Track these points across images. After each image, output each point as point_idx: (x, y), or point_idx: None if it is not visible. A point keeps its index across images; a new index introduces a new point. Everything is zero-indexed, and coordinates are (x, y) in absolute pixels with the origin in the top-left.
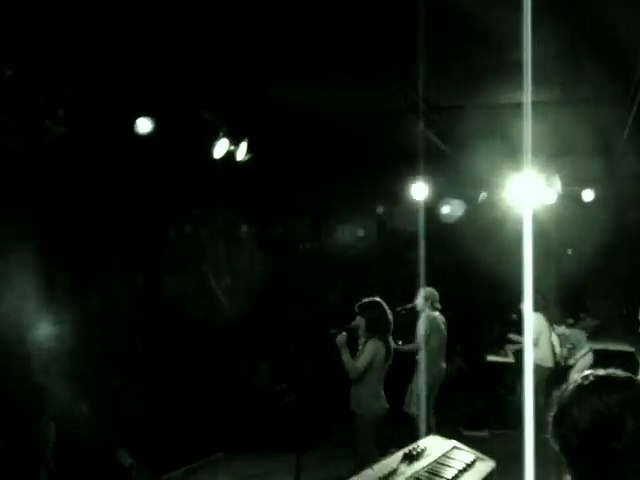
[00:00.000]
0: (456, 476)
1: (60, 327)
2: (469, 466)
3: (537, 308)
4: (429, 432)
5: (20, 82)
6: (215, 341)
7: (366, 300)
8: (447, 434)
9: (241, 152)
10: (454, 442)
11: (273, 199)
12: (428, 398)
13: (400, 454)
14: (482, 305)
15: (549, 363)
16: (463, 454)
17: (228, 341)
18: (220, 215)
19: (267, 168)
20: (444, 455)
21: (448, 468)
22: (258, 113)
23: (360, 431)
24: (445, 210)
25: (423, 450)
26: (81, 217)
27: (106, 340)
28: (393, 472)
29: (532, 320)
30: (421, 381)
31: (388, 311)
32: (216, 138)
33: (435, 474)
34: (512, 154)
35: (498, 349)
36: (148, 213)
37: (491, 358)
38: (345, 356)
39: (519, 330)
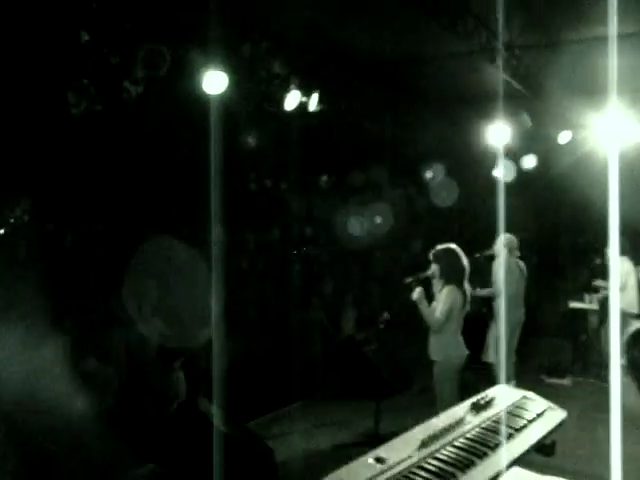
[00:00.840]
0: (524, 426)
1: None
2: (539, 416)
3: (623, 252)
4: (508, 380)
5: (97, 45)
6: (299, 290)
7: (440, 247)
8: (528, 382)
9: (313, 103)
10: (524, 392)
11: (350, 148)
12: (507, 345)
13: (468, 403)
14: (566, 250)
15: (635, 309)
16: (533, 404)
17: (311, 290)
18: (296, 166)
19: (341, 117)
20: (513, 405)
21: (517, 418)
22: (328, 63)
23: (440, 379)
24: (525, 154)
25: (492, 399)
26: (163, 173)
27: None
28: (460, 421)
29: (618, 264)
30: (499, 328)
31: (463, 257)
32: (287, 90)
33: (502, 424)
34: (596, 92)
35: (582, 295)
36: (228, 168)
37: (574, 305)
38: (424, 309)
39: (604, 275)
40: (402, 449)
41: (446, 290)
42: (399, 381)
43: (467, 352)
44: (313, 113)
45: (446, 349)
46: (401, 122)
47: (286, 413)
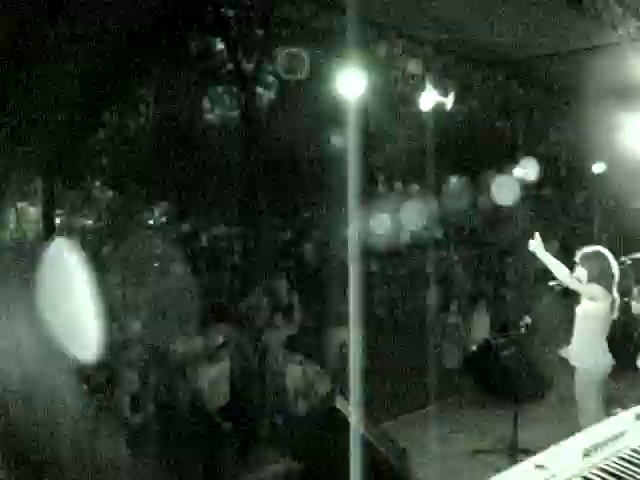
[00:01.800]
0: None
1: None
2: None
3: None
4: None
5: (230, 53)
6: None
7: (588, 249)
8: None
9: (449, 102)
10: None
11: (483, 148)
12: None
13: (632, 413)
14: None
15: None
16: None
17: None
18: (430, 168)
19: (476, 116)
20: None
21: None
22: (464, 60)
23: (582, 387)
24: None
25: None
26: (297, 176)
27: None
28: (624, 432)
29: None
30: None
31: (612, 261)
32: (423, 89)
33: None
34: None
35: None
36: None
37: None
38: (550, 265)
39: None
40: (564, 457)
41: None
42: (538, 387)
43: (612, 361)
44: (447, 113)
45: (589, 355)
46: (536, 120)
47: (421, 416)
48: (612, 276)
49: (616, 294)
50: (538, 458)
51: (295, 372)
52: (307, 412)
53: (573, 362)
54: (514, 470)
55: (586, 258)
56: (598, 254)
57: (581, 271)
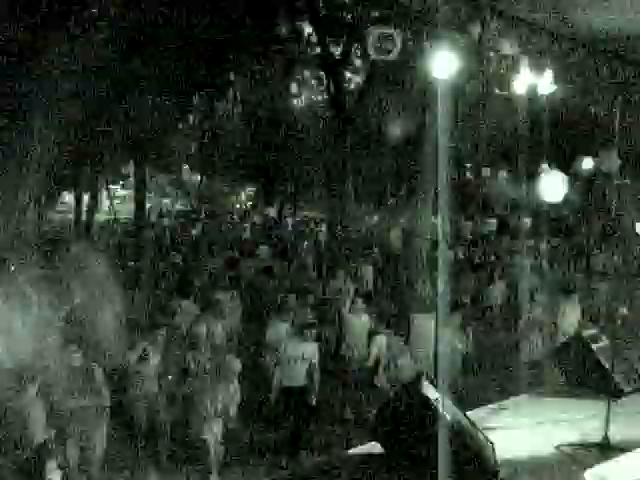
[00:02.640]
0: None
1: None
2: None
3: None
4: None
5: (319, 38)
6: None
7: None
8: None
9: (544, 85)
10: None
11: (578, 134)
12: None
13: None
14: None
15: None
16: None
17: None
18: (520, 153)
19: (573, 99)
20: None
21: None
22: (560, 42)
23: None
24: None
25: None
26: (383, 160)
27: None
28: None
29: None
30: None
31: None
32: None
33: None
34: None
35: None
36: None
37: None
38: None
39: None
40: (629, 471)
41: None
42: (632, 381)
43: None
44: (540, 96)
45: None
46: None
47: (509, 405)
48: None
49: None
50: (600, 469)
51: (379, 340)
52: (393, 397)
53: None
54: (621, 458)
55: None
56: None
57: None
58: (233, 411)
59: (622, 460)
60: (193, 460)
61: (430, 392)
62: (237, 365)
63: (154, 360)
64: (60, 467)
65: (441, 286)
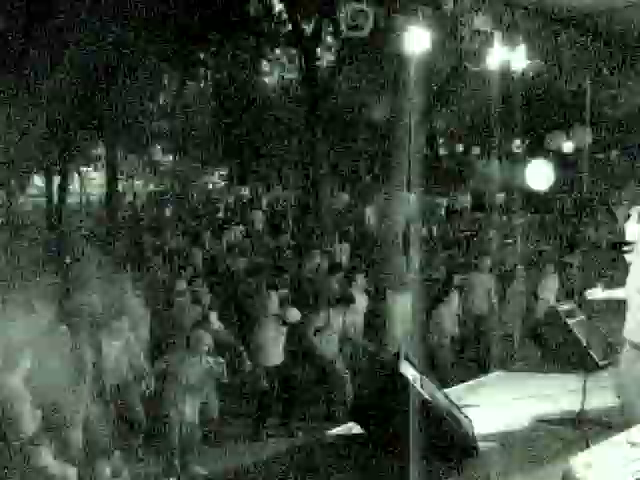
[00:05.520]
0: None
1: None
2: None
3: None
4: None
5: (290, 15)
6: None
7: None
8: None
9: (517, 60)
10: None
11: (551, 109)
12: None
13: None
14: None
15: None
16: None
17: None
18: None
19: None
20: None
21: None
22: (533, 17)
23: (629, 365)
24: None
25: None
26: (355, 137)
27: None
28: None
29: None
30: None
31: None
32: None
33: None
34: None
35: None
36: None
37: None
38: None
39: None
40: (614, 457)
41: None
42: (607, 356)
43: None
44: (513, 73)
45: None
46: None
47: (485, 383)
48: None
49: None
50: (633, 435)
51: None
52: (370, 376)
53: (625, 333)
54: (604, 446)
55: None
56: None
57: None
58: (209, 388)
59: (606, 446)
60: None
61: (407, 370)
62: (207, 339)
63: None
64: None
65: (415, 263)
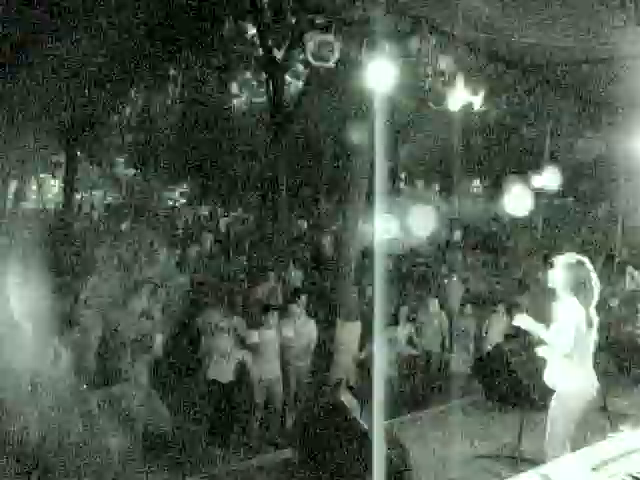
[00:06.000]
0: None
1: None
2: None
3: None
4: None
5: (262, 40)
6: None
7: (570, 257)
8: None
9: (478, 102)
10: None
11: (508, 153)
12: None
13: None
14: None
15: None
16: None
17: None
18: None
19: (505, 119)
20: None
21: None
22: (496, 63)
23: (556, 413)
24: None
25: None
26: (318, 167)
27: None
28: (636, 450)
29: None
30: None
31: (593, 275)
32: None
33: None
34: None
35: None
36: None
37: None
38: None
39: None
40: (572, 471)
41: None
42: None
43: (597, 384)
44: (475, 114)
45: (569, 378)
46: (565, 130)
47: (426, 417)
48: (590, 290)
49: (593, 311)
50: (545, 468)
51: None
52: (312, 403)
53: (549, 383)
54: (518, 478)
55: (567, 266)
56: (580, 264)
57: (558, 275)
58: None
59: (532, 473)
60: None
61: (347, 399)
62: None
63: None
64: None
65: (378, 296)
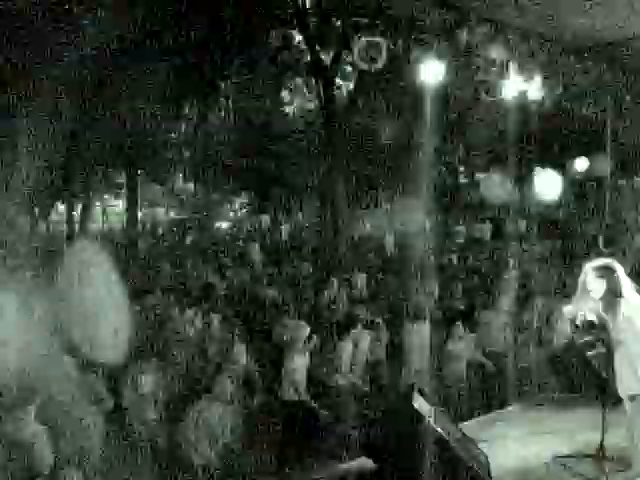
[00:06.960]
0: None
1: None
2: None
3: None
4: None
5: (309, 46)
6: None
7: (601, 262)
8: None
9: (533, 90)
10: None
11: (568, 136)
12: None
13: None
14: None
15: None
16: None
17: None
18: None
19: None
20: None
21: None
22: (548, 47)
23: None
24: None
25: None
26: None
27: None
28: None
29: None
30: None
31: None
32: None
33: None
34: None
35: None
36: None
37: None
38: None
39: None
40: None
41: None
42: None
43: None
44: (530, 101)
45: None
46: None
47: (502, 417)
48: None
49: None
50: None
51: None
52: (384, 410)
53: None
54: None
55: (602, 270)
56: (611, 268)
57: (598, 283)
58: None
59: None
60: None
61: (420, 403)
62: (230, 387)
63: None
64: None
65: (434, 293)
